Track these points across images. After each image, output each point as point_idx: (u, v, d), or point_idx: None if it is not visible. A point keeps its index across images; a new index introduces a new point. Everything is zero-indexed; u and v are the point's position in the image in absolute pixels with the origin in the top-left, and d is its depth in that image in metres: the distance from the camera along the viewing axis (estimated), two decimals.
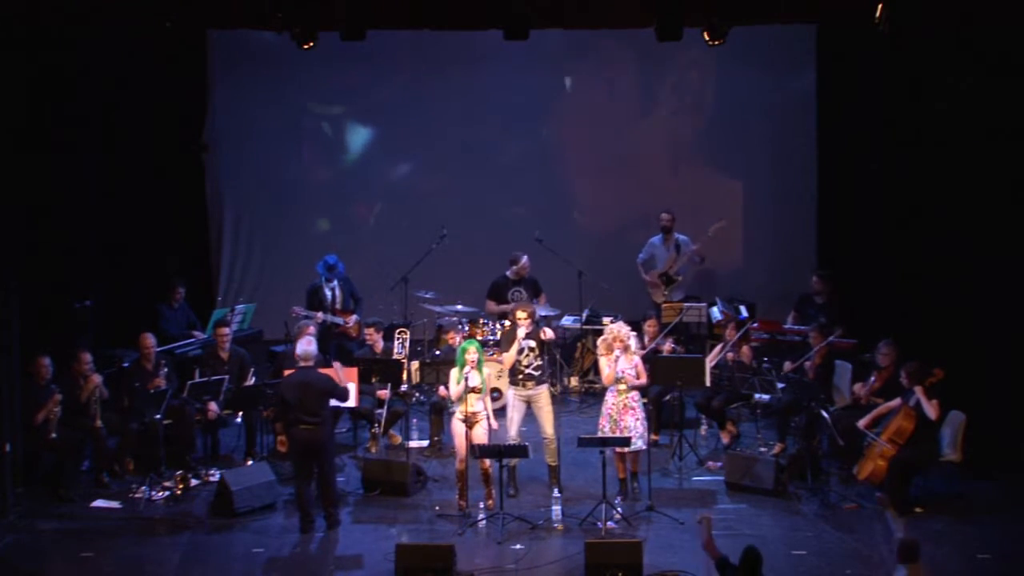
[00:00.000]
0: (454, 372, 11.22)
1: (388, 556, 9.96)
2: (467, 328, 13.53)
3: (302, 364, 11.00)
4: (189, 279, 14.44)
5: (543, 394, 11.45)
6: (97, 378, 11.89)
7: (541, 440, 11.52)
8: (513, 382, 11.53)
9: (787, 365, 12.45)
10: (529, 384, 11.44)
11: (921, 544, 8.50)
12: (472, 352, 11.10)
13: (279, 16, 11.92)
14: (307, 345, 11.12)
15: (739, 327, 12.92)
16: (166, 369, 12.27)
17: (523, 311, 11.51)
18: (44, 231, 12.81)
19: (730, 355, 12.60)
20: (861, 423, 11.46)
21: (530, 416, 11.59)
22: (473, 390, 11.08)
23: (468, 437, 11.00)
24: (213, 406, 12.11)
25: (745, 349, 12.69)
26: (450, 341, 13.07)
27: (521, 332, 11.39)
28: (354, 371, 11.99)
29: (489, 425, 11.17)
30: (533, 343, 11.45)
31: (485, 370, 11.27)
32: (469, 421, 11.07)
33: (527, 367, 11.43)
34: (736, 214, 15.77)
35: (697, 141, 15.92)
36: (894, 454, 11.03)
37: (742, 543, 10.03)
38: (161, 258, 14.80)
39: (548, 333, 11.60)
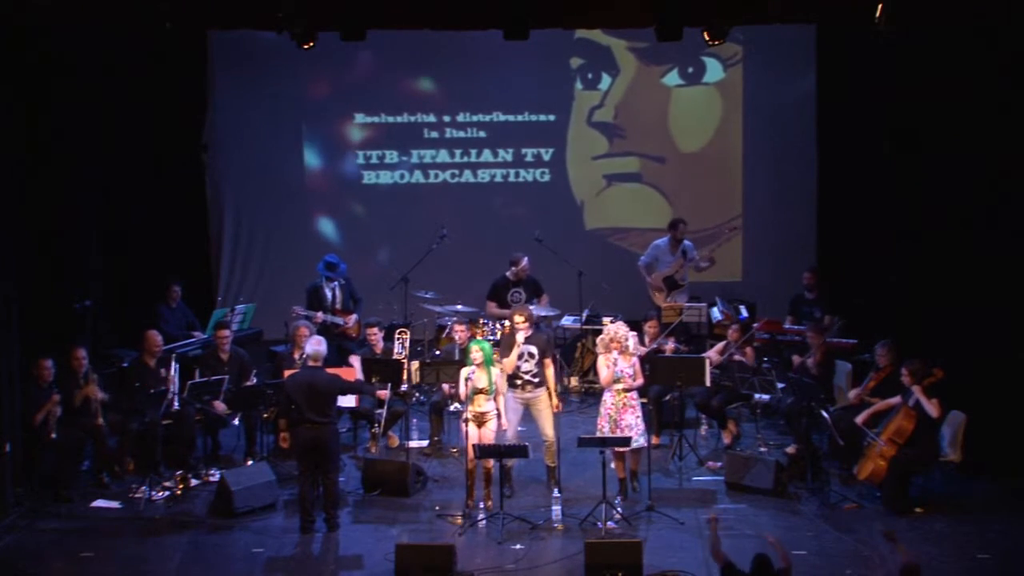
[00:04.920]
0: (464, 371, 11.22)
1: (388, 556, 9.96)
2: (468, 328, 13.50)
3: (310, 364, 11.00)
4: (189, 279, 14.44)
5: (541, 398, 11.45)
6: (95, 388, 11.86)
7: (541, 442, 11.53)
8: (512, 385, 11.52)
9: (796, 359, 12.59)
10: (528, 388, 11.45)
11: (921, 567, 8.44)
12: (476, 352, 11.09)
13: (279, 16, 11.92)
14: (317, 345, 11.10)
15: (743, 329, 12.92)
16: (163, 369, 12.26)
17: (520, 316, 11.48)
18: (44, 231, 12.80)
19: (736, 357, 12.60)
20: (859, 419, 11.49)
21: (528, 418, 11.61)
22: (480, 391, 11.08)
23: (477, 437, 11.00)
24: (220, 404, 12.13)
25: (748, 350, 12.70)
26: (456, 334, 13.01)
27: (520, 337, 11.38)
28: (353, 371, 11.98)
29: (499, 425, 11.17)
30: (534, 348, 11.44)
31: (493, 370, 11.25)
32: (478, 421, 11.08)
33: (526, 373, 11.43)
34: (736, 214, 15.80)
35: (697, 140, 15.93)
36: (894, 454, 11.03)
37: (742, 543, 10.09)
38: (161, 258, 14.79)
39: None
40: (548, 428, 11.47)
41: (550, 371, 11.60)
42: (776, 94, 15.68)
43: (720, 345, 12.94)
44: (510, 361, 11.41)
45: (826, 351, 12.55)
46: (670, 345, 12.95)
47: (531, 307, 12.80)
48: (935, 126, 12.69)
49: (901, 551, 8.39)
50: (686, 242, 14.69)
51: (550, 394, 11.52)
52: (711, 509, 10.99)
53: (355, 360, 12.49)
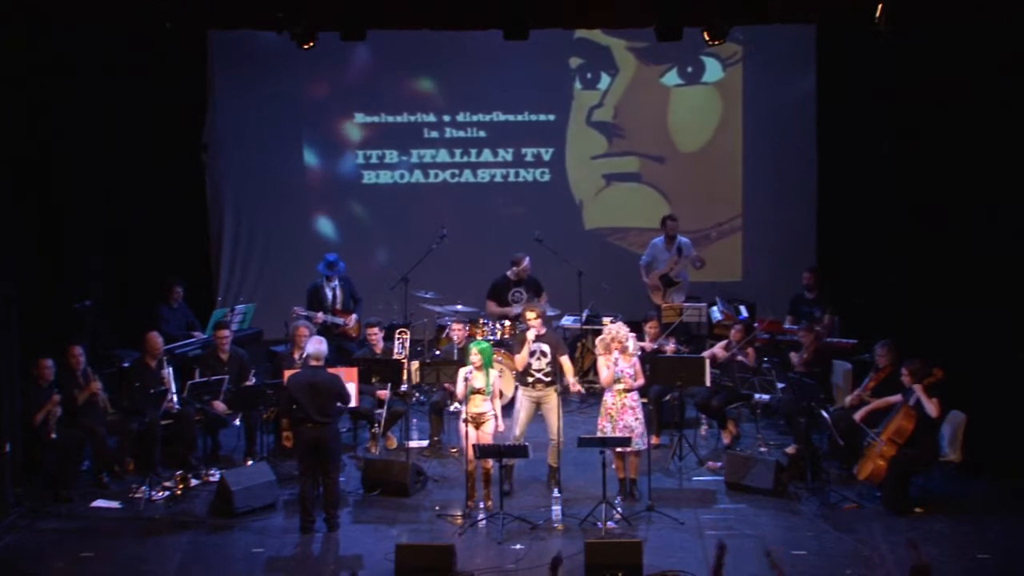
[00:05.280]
0: (462, 371, 11.22)
1: (388, 556, 9.95)
2: (467, 328, 13.50)
3: (312, 363, 10.99)
4: (189, 279, 14.44)
5: (552, 396, 11.44)
6: (97, 384, 11.87)
7: (547, 440, 11.52)
8: (523, 383, 11.52)
9: (792, 355, 12.67)
10: (539, 386, 11.44)
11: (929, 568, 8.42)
12: (475, 353, 11.09)
13: (279, 16, 11.93)
14: (318, 345, 11.10)
15: (746, 329, 12.92)
16: (163, 370, 12.27)
17: (532, 312, 11.47)
18: (44, 231, 12.81)
19: (737, 357, 12.60)
20: (857, 416, 11.51)
21: (536, 416, 11.61)
22: (477, 391, 11.08)
23: (476, 438, 11.00)
24: (219, 404, 12.14)
25: (750, 350, 12.70)
26: (454, 333, 13.01)
27: (531, 334, 11.37)
28: (354, 371, 11.99)
29: (496, 426, 11.17)
30: (545, 347, 11.42)
31: (492, 372, 11.25)
32: (475, 421, 11.08)
33: (538, 371, 11.42)
34: (736, 214, 15.80)
35: (697, 140, 15.94)
36: (894, 454, 11.03)
37: (742, 543, 10.10)
38: (161, 258, 14.79)
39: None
40: (555, 428, 11.45)
41: (568, 366, 11.57)
42: (776, 94, 15.67)
43: (724, 343, 12.93)
44: (521, 358, 11.41)
45: (817, 351, 12.57)
46: (671, 346, 12.94)
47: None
48: (935, 126, 12.69)
49: (916, 557, 8.34)
50: (683, 239, 14.69)
51: (569, 382, 11.50)
52: (708, 509, 11.00)
53: (352, 387, 12.20)
